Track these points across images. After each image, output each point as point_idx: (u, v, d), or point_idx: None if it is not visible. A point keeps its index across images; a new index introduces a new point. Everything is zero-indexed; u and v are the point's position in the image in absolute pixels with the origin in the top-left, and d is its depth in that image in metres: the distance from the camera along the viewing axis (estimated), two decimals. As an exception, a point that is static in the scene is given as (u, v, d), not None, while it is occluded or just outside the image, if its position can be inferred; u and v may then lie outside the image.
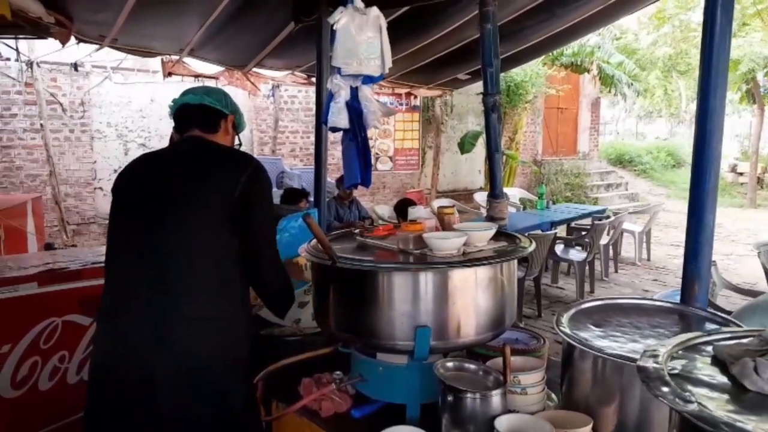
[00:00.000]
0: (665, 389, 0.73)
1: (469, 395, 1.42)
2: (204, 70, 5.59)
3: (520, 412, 1.48)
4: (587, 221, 7.17)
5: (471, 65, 5.98)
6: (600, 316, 1.73)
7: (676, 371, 0.80)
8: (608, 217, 7.03)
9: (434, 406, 1.55)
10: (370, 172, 2.60)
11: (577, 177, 12.34)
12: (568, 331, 1.60)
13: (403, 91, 8.30)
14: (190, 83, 5.97)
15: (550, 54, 10.26)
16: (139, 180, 1.83)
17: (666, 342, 0.92)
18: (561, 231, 7.12)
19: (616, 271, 7.32)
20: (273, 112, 9.52)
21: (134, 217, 1.77)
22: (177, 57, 5.02)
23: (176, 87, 6.06)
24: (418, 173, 10.76)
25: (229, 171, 1.78)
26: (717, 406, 0.71)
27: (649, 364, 0.81)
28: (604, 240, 6.83)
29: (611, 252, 7.19)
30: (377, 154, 9.30)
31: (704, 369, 0.84)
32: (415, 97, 9.03)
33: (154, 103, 8.26)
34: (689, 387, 0.75)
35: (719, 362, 0.83)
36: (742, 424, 0.67)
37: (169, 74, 5.28)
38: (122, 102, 8.16)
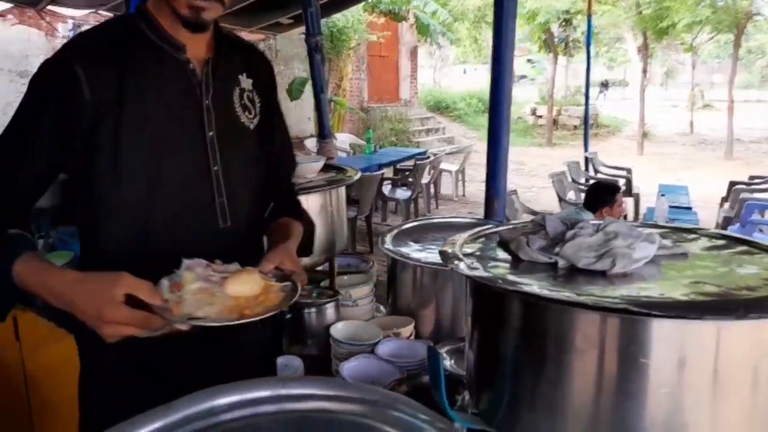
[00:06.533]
0: (459, 263, 0.90)
1: (305, 309, 1.54)
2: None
3: (353, 321, 1.65)
4: (410, 163, 7.64)
5: (292, 9, 5.93)
6: (418, 234, 1.95)
7: (469, 252, 0.99)
8: (428, 158, 7.56)
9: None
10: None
11: (401, 122, 12.94)
12: (391, 247, 1.80)
13: (223, 34, 7.95)
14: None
15: (370, 0, 10.46)
16: None
17: (463, 234, 1.10)
18: (388, 173, 7.52)
19: (437, 207, 7.95)
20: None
21: None
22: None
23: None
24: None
25: None
26: (498, 271, 0.90)
27: (448, 248, 0.98)
28: (425, 179, 7.37)
29: (432, 190, 7.79)
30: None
31: (492, 250, 1.03)
32: (237, 40, 8.69)
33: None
34: (479, 261, 0.94)
35: (503, 243, 1.03)
36: (515, 279, 0.86)
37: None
38: None
